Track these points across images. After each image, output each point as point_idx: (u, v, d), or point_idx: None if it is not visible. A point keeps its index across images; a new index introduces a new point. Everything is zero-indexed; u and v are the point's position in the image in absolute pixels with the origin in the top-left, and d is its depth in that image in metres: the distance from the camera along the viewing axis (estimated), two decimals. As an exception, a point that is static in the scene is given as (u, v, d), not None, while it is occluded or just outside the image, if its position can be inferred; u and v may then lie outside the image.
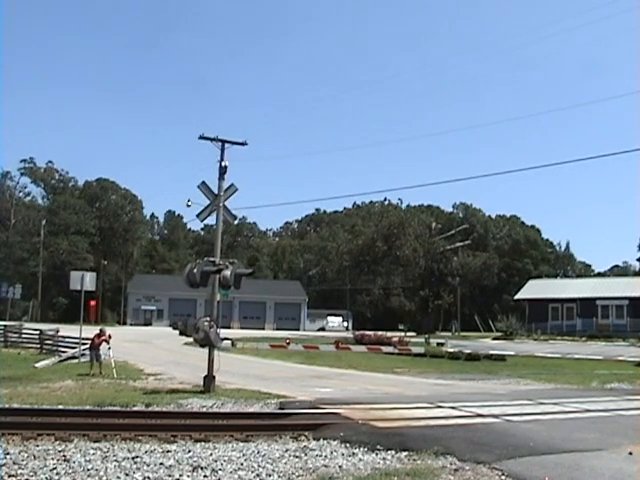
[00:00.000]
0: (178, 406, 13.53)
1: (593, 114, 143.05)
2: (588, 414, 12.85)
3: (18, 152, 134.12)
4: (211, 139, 18.10)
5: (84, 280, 23.37)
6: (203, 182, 18.13)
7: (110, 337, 21.39)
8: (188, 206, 24.06)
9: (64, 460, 7.98)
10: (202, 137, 18.06)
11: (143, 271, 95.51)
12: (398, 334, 51.48)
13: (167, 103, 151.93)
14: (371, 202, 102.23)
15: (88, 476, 7.38)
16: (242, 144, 18.46)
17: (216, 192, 17.92)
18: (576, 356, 34.17)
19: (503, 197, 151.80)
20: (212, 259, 17.14)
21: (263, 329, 75.03)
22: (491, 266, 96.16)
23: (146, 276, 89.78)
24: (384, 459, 8.60)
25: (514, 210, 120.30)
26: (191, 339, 19.58)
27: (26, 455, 8.14)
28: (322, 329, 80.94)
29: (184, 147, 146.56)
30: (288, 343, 34.66)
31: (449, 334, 63.34)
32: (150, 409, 12.77)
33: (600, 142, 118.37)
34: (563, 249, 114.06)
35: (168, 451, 8.71)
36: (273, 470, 7.87)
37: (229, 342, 31.09)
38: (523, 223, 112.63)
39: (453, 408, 12.99)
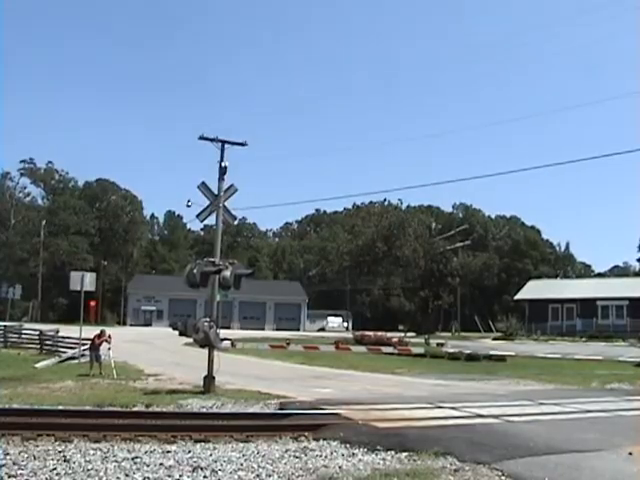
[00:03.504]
0: (178, 407, 13.52)
1: (593, 114, 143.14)
2: (588, 414, 12.84)
3: (18, 152, 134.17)
4: (211, 139, 18.10)
5: (84, 280, 23.37)
6: (203, 182, 18.14)
7: (110, 337, 21.41)
8: (188, 206, 23.98)
9: (64, 460, 7.98)
10: (202, 137, 18.07)
11: (143, 271, 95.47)
12: (398, 334, 51.56)
13: (167, 103, 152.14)
14: (371, 202, 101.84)
15: (88, 476, 7.38)
16: (242, 144, 18.46)
17: (216, 192, 17.93)
18: (576, 356, 34.08)
19: (503, 197, 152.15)
20: (212, 259, 17.12)
21: (263, 329, 74.94)
22: (491, 266, 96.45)
23: (146, 276, 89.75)
24: (384, 459, 8.60)
25: (514, 210, 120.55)
26: (191, 339, 19.55)
27: (26, 455, 8.14)
28: (322, 329, 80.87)
29: (184, 147, 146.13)
30: (288, 343, 34.64)
31: (449, 334, 63.45)
32: (150, 410, 12.76)
33: (600, 142, 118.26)
34: (563, 249, 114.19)
35: (168, 451, 8.71)
36: (273, 471, 7.87)
37: (229, 342, 31.04)
38: (523, 223, 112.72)
39: (453, 409, 12.97)
